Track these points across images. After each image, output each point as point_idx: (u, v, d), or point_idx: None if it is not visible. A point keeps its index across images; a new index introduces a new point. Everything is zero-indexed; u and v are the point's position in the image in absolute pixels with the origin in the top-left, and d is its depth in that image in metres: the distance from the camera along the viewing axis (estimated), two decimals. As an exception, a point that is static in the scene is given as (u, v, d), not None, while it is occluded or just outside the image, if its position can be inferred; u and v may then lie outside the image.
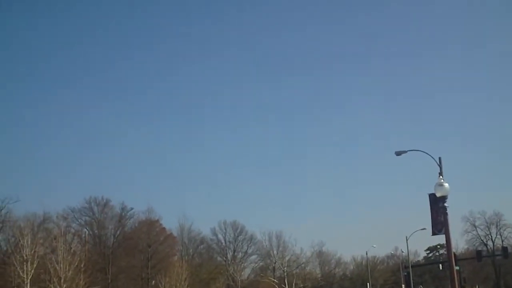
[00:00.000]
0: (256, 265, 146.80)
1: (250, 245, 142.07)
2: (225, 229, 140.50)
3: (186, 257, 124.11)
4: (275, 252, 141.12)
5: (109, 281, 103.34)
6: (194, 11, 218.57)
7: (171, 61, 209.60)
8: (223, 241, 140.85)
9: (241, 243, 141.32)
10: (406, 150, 38.78)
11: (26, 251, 67.96)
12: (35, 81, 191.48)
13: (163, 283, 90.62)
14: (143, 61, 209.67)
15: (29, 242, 68.40)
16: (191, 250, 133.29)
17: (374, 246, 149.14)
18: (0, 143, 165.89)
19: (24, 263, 67.48)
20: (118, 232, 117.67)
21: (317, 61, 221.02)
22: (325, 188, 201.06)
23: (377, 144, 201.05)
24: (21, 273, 66.87)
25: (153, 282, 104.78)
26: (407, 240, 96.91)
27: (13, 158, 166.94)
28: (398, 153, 38.74)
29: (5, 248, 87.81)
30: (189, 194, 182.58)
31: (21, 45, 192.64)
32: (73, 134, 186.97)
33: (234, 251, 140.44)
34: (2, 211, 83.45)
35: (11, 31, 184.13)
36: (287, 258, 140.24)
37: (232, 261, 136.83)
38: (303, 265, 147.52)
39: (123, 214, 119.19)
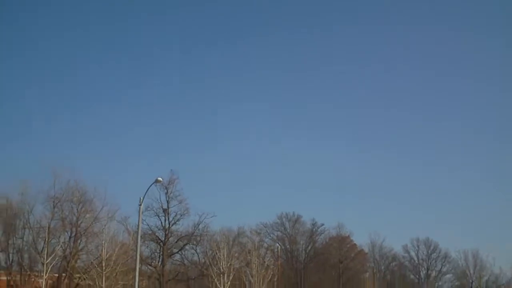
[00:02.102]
0: (452, 284, 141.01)
1: (444, 263, 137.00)
2: (418, 247, 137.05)
3: (378, 274, 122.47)
4: (471, 271, 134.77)
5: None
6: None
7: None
8: (415, 258, 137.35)
9: (435, 261, 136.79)
10: None
11: (222, 264, 70.80)
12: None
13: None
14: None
15: (225, 256, 71.16)
16: (382, 267, 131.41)
17: None
18: (194, 164, 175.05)
19: (221, 275, 70.32)
20: (309, 248, 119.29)
21: None
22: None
23: None
24: (218, 285, 69.77)
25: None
26: None
27: (209, 177, 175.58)
28: None
29: (203, 261, 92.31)
30: (380, 210, 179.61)
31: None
32: (263, 153, 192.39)
33: (428, 269, 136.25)
34: (200, 225, 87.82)
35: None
36: (485, 279, 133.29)
37: (426, 279, 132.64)
38: (503, 286, 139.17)
39: (314, 230, 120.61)
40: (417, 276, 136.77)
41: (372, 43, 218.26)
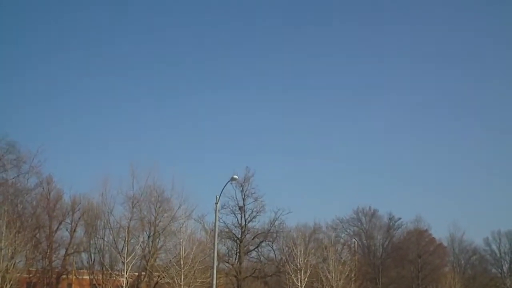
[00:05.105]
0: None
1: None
2: (499, 239, 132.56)
3: (458, 269, 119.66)
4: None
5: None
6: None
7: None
8: (497, 252, 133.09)
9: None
10: None
11: (299, 260, 70.63)
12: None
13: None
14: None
15: (301, 252, 70.96)
16: (462, 261, 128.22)
17: None
18: (268, 161, 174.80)
19: (298, 271, 70.11)
20: (386, 242, 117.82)
21: None
22: None
23: None
24: (295, 281, 69.55)
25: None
26: None
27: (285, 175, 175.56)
28: None
29: (279, 257, 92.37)
30: (459, 203, 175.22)
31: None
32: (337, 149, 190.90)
33: (511, 262, 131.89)
34: (276, 222, 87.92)
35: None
36: None
37: (509, 273, 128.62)
38: None
39: (391, 224, 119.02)
40: (500, 270, 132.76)
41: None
